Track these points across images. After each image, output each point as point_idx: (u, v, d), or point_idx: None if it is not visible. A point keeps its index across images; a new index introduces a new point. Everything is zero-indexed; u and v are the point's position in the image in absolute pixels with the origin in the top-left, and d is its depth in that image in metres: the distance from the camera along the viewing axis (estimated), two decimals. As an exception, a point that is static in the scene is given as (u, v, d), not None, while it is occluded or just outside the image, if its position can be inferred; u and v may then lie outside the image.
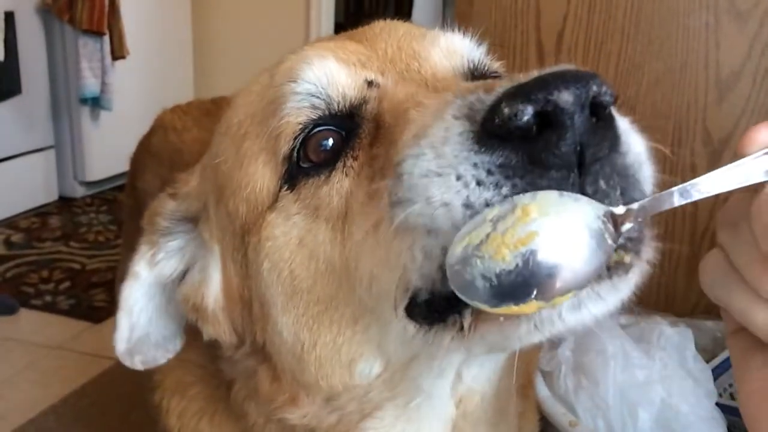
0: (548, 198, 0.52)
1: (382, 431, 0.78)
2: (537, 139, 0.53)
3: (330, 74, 0.73)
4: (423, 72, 0.75)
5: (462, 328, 0.60)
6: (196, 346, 0.92)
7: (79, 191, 4.38)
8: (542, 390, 1.32)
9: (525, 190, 0.53)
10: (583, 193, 0.54)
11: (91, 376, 2.40)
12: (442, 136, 0.58)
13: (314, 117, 0.72)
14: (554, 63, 1.71)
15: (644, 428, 1.28)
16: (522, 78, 0.56)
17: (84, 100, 4.15)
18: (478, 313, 0.58)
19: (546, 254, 0.50)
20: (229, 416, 0.90)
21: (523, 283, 0.50)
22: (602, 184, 0.55)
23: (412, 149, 0.59)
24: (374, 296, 0.65)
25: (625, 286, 0.57)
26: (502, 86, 0.56)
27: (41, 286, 3.12)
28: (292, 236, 0.71)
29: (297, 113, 0.72)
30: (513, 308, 0.52)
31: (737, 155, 0.56)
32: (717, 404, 1.37)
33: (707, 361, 1.46)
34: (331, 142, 0.71)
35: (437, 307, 0.61)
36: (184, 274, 0.86)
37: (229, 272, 0.81)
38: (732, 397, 1.52)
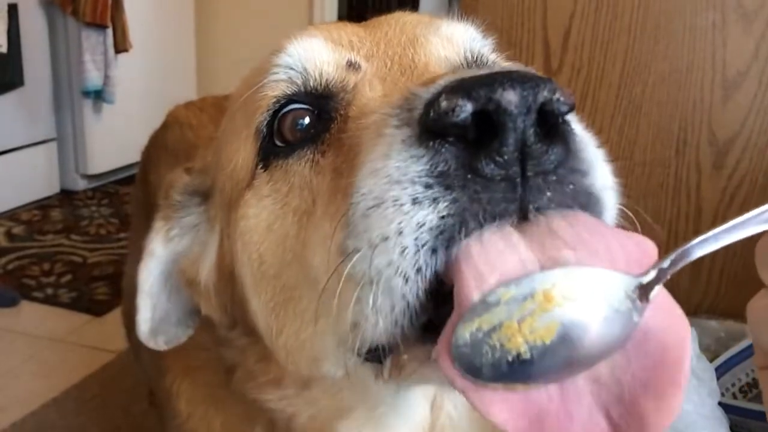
0: (572, 279, 0.45)
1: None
2: (477, 143, 0.49)
3: (311, 49, 0.72)
4: (416, 60, 0.71)
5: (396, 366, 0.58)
6: (203, 328, 0.92)
7: (81, 184, 4.38)
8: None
9: (465, 207, 0.49)
10: (525, 209, 0.50)
11: (92, 369, 2.40)
12: (384, 153, 0.54)
13: (289, 92, 0.71)
14: (560, 62, 1.71)
15: (647, 427, 1.28)
16: (467, 72, 0.53)
17: (86, 93, 4.14)
18: (410, 358, 0.56)
19: (567, 349, 0.44)
20: (235, 402, 0.90)
21: (537, 374, 0.45)
22: (548, 202, 0.50)
23: (357, 192, 0.55)
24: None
25: None
26: (444, 79, 0.53)
27: (43, 279, 3.12)
28: (261, 219, 0.70)
29: (274, 86, 0.71)
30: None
31: None
32: (719, 403, 1.37)
33: (710, 361, 1.46)
34: (307, 120, 0.70)
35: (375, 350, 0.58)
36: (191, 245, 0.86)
37: (223, 248, 0.80)
38: (734, 396, 1.52)
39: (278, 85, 0.71)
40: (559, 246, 0.48)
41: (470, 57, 0.77)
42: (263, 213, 0.70)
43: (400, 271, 0.51)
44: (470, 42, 0.78)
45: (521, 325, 0.44)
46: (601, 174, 0.54)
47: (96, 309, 2.85)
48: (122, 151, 4.31)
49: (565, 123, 0.52)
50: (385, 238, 0.51)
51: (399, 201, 0.51)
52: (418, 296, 0.51)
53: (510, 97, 0.47)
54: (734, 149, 1.63)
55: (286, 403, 0.79)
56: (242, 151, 0.74)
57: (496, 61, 0.81)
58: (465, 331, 0.46)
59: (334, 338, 0.62)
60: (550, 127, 0.50)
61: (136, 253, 1.58)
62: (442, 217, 0.49)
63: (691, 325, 1.52)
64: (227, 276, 0.80)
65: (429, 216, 0.50)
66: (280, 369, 0.77)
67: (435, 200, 0.50)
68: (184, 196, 0.86)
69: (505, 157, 0.49)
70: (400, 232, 0.50)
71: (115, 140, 4.31)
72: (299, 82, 0.71)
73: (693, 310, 1.73)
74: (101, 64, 4.10)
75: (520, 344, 0.44)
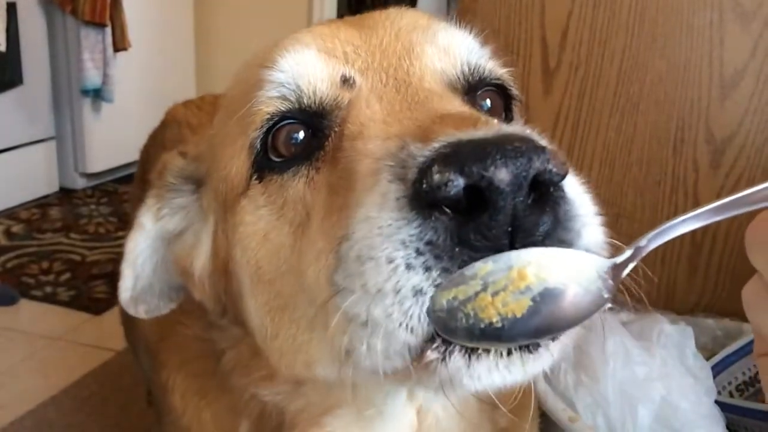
0: (546, 258, 0.49)
1: (339, 429, 0.79)
2: (467, 213, 0.50)
3: (304, 65, 0.71)
4: (411, 73, 0.70)
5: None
6: (198, 317, 0.93)
7: (80, 183, 4.38)
8: (542, 385, 1.33)
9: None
10: None
11: (91, 367, 2.41)
12: (378, 203, 0.54)
13: (283, 109, 0.70)
14: (558, 60, 1.72)
15: (644, 425, 1.29)
16: (463, 136, 0.52)
17: (85, 92, 4.14)
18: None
19: (537, 322, 0.49)
20: (222, 392, 0.90)
21: (507, 338, 0.49)
22: None
23: (351, 226, 0.57)
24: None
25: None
26: (439, 141, 0.52)
27: (42, 277, 3.12)
28: (258, 228, 0.71)
29: (267, 102, 0.71)
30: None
31: None
32: (716, 402, 1.37)
33: (707, 359, 1.46)
34: (301, 135, 0.70)
35: None
36: (183, 232, 0.87)
37: (218, 242, 0.81)
38: (731, 394, 1.52)
39: (272, 101, 0.71)
40: None
41: (467, 70, 0.76)
42: (260, 222, 0.71)
43: (402, 324, 0.53)
44: (467, 54, 0.76)
45: (494, 298, 0.48)
46: (589, 238, 0.55)
47: (95, 307, 2.85)
48: (121, 149, 4.31)
49: (558, 189, 0.53)
50: (382, 292, 0.53)
51: (393, 261, 0.52)
52: (416, 339, 0.53)
53: (502, 176, 0.48)
54: (731, 148, 1.63)
55: (280, 398, 0.80)
56: (237, 160, 0.74)
57: (503, 74, 0.80)
58: (442, 299, 0.50)
59: (329, 349, 0.63)
60: (542, 194, 0.51)
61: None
62: (437, 285, 0.51)
63: (688, 323, 1.52)
64: (221, 269, 0.80)
65: (423, 283, 0.51)
66: (272, 366, 0.77)
67: (428, 268, 0.51)
68: (178, 179, 0.87)
69: (494, 231, 0.50)
70: (398, 291, 0.52)
71: (114, 139, 4.31)
72: (293, 99, 0.70)
73: (690, 308, 1.74)
74: (100, 63, 4.10)
75: (492, 315, 0.48)
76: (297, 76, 0.70)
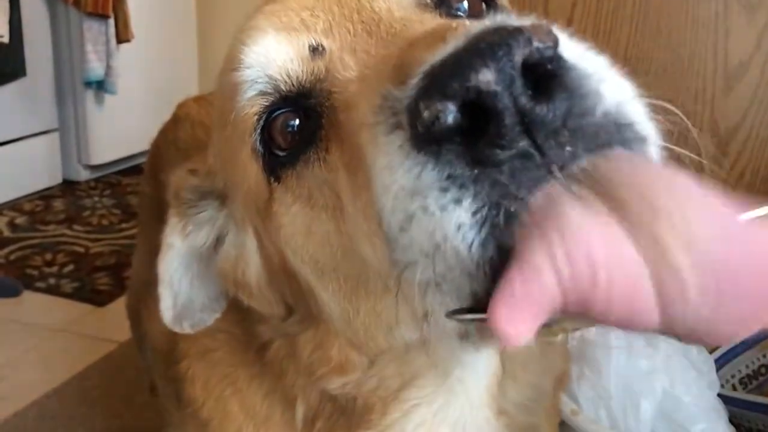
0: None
1: (424, 401, 0.75)
2: (476, 131, 0.47)
3: (266, 54, 0.68)
4: (376, 10, 0.66)
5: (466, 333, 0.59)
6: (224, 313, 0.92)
7: (83, 175, 4.38)
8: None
9: (489, 196, 0.48)
10: (554, 173, 0.47)
11: (94, 359, 2.41)
12: (387, 166, 0.52)
13: (266, 104, 0.68)
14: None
15: (646, 418, 1.29)
16: (435, 58, 0.48)
17: (88, 84, 4.13)
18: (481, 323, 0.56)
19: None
20: (252, 379, 0.89)
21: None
22: (573, 156, 0.47)
23: (380, 203, 0.55)
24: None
25: None
26: (415, 75, 0.49)
27: (45, 269, 3.12)
28: (298, 225, 0.70)
29: (249, 104, 0.69)
30: None
31: None
32: (719, 395, 1.37)
33: (710, 353, 1.46)
34: (297, 121, 0.68)
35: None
36: (216, 241, 0.86)
37: (267, 250, 0.79)
38: (734, 388, 1.52)
39: (253, 101, 0.69)
40: (609, 188, 0.46)
41: None
42: (297, 219, 0.69)
43: (462, 270, 0.50)
44: None
45: None
46: (612, 95, 0.50)
47: (98, 299, 2.86)
48: (124, 141, 4.31)
49: (555, 61, 0.47)
50: (437, 247, 0.50)
51: (428, 211, 0.50)
52: (480, 284, 0.51)
53: (487, 77, 0.44)
54: (736, 140, 1.62)
55: (351, 386, 0.77)
56: (249, 171, 0.72)
57: None
58: None
59: (409, 310, 0.62)
60: (541, 76, 0.46)
61: (143, 247, 1.58)
62: (474, 213, 0.48)
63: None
64: (281, 274, 0.79)
65: (462, 217, 0.48)
66: (342, 354, 0.76)
67: (458, 201, 0.48)
68: (196, 195, 0.86)
69: (507, 138, 0.46)
70: (446, 237, 0.49)
71: (117, 130, 4.31)
72: (271, 90, 0.68)
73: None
74: (103, 55, 4.09)
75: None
76: (265, 67, 0.68)
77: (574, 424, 1.24)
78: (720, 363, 1.49)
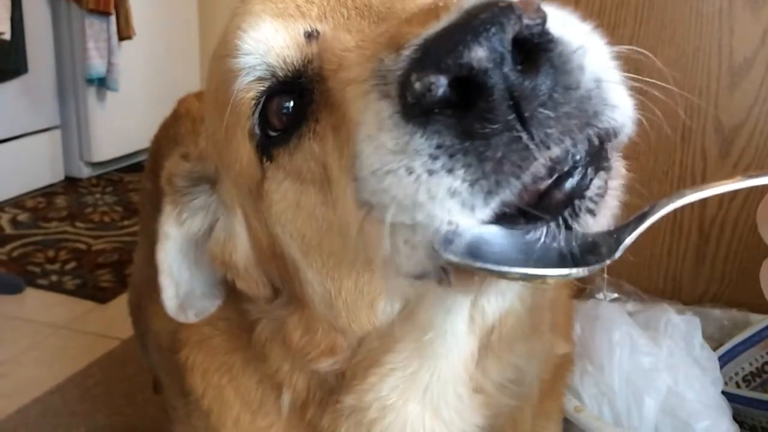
0: None
1: (400, 365, 0.76)
2: (465, 104, 0.49)
3: (264, 40, 0.70)
4: None
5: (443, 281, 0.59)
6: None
7: (85, 172, 4.39)
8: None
9: (480, 167, 0.50)
10: (537, 141, 0.50)
11: (96, 356, 2.42)
12: (374, 124, 0.54)
13: (263, 89, 0.70)
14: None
15: (650, 415, 1.28)
16: (428, 32, 0.50)
17: (90, 81, 4.14)
18: (459, 271, 0.57)
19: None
20: (247, 365, 0.89)
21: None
22: (559, 128, 0.50)
23: (357, 146, 0.56)
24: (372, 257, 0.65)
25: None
26: (409, 47, 0.51)
27: (47, 266, 3.13)
28: (288, 200, 0.71)
29: (247, 89, 0.71)
30: None
31: None
32: (723, 392, 1.36)
33: (714, 350, 1.46)
34: (291, 103, 0.69)
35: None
36: (211, 229, 0.87)
37: (256, 231, 0.81)
38: (738, 385, 1.52)
39: (251, 86, 0.70)
40: None
41: None
42: (287, 195, 0.71)
43: (452, 229, 0.52)
44: None
45: None
46: (593, 65, 0.52)
47: (100, 296, 2.86)
48: (126, 138, 4.31)
49: (542, 36, 0.49)
50: (416, 202, 0.52)
51: (413, 172, 0.51)
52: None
53: (480, 54, 0.46)
54: (740, 137, 1.61)
55: (339, 365, 0.79)
56: (243, 152, 0.74)
57: None
58: None
59: (388, 273, 0.63)
60: (530, 50, 0.48)
61: (145, 243, 1.58)
62: (471, 183, 0.50)
63: (695, 314, 1.51)
64: (269, 254, 0.80)
65: (454, 183, 0.50)
66: (331, 337, 0.77)
67: (449, 170, 0.50)
68: (189, 181, 0.87)
69: (496, 112, 0.48)
70: (433, 197, 0.51)
71: (118, 128, 4.31)
72: (268, 76, 0.70)
73: (697, 299, 1.72)
74: (105, 52, 4.10)
75: None
76: (263, 54, 0.70)
77: (578, 421, 1.24)
78: (724, 360, 1.49)
